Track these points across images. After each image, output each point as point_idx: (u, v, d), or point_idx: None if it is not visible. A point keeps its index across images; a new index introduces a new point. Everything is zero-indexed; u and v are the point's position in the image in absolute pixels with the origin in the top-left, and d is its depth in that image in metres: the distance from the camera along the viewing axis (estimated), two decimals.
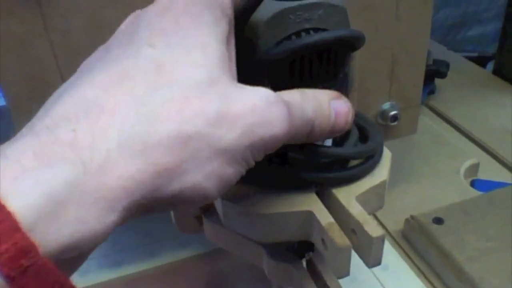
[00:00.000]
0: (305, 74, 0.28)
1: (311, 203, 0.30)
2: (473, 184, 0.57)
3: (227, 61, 0.23)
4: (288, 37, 0.27)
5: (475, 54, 1.08)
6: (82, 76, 0.22)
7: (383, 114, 0.46)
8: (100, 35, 0.33)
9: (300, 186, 0.30)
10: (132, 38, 0.23)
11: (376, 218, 0.51)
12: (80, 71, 0.23)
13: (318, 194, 0.31)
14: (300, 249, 0.36)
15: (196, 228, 0.40)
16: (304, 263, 0.38)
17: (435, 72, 0.69)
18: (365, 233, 0.27)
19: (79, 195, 0.18)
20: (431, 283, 0.45)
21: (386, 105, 0.46)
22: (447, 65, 0.71)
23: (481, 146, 0.63)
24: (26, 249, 0.16)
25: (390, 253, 0.48)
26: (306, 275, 0.35)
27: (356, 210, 0.29)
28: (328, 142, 0.31)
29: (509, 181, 0.56)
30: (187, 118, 0.20)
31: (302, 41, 0.26)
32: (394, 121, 0.46)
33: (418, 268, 0.46)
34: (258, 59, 0.27)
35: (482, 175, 0.59)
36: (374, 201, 0.32)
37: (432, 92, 0.74)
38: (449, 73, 0.72)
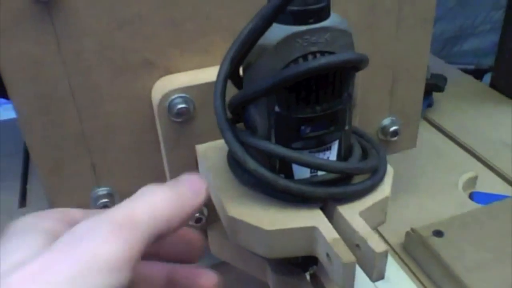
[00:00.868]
0: (311, 95, 0.29)
1: (316, 219, 0.31)
2: (471, 196, 0.58)
3: None
4: (296, 60, 0.28)
5: (472, 67, 1.09)
6: None
7: (384, 129, 0.47)
8: (111, 56, 0.34)
9: (305, 201, 0.31)
10: None
11: (376, 230, 0.52)
12: None
13: (322, 209, 0.32)
14: (304, 263, 0.37)
15: None
16: (308, 277, 0.39)
17: (433, 86, 0.70)
18: (369, 248, 0.28)
19: None
20: None
21: (386, 121, 0.47)
22: (445, 79, 0.72)
23: (479, 159, 0.64)
24: None
25: (391, 265, 0.48)
26: None
27: (360, 225, 0.30)
28: (333, 157, 0.32)
29: (507, 194, 0.57)
30: None
31: (309, 65, 0.27)
32: (395, 136, 0.47)
33: (419, 280, 0.47)
34: (266, 82, 0.28)
35: (481, 188, 0.60)
36: (377, 216, 0.33)
37: (430, 105, 0.75)
38: (446, 86, 0.73)
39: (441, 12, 1.20)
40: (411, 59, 0.45)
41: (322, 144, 0.31)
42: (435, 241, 0.47)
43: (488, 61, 1.12)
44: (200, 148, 0.37)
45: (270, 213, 0.31)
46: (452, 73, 0.82)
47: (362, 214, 0.31)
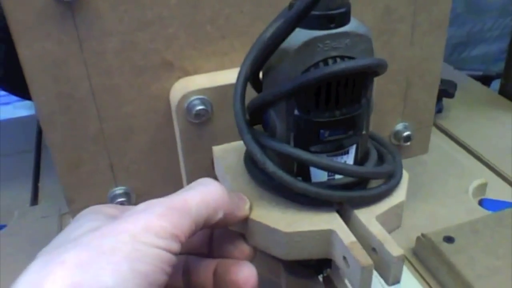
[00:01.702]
0: (330, 99, 0.29)
1: (333, 222, 0.31)
2: (481, 203, 0.58)
3: None
4: (316, 64, 0.28)
5: (480, 73, 1.09)
6: None
7: (397, 134, 0.47)
8: (132, 56, 0.35)
9: (322, 204, 0.32)
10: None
11: None
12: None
13: (338, 212, 0.32)
14: (319, 266, 0.37)
15: None
16: (321, 279, 0.39)
17: (443, 92, 0.70)
18: (386, 252, 0.28)
19: None
20: None
21: (399, 126, 0.47)
22: (454, 86, 0.72)
23: (488, 166, 0.64)
24: None
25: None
26: None
27: (376, 229, 0.30)
28: (350, 161, 0.32)
29: None
30: None
31: (329, 69, 0.28)
32: (407, 141, 0.47)
33: (429, 286, 0.47)
34: (286, 85, 0.29)
35: (490, 195, 0.60)
36: (393, 221, 0.33)
37: (439, 111, 0.75)
38: (455, 92, 0.73)
39: (449, 18, 1.20)
40: (425, 65, 0.45)
41: (340, 148, 0.31)
42: (446, 247, 0.47)
43: (496, 68, 1.12)
44: (217, 149, 0.37)
45: (288, 215, 0.31)
46: (461, 79, 0.83)
47: (378, 218, 0.31)
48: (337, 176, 0.32)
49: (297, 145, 0.31)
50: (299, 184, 0.30)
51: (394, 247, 0.28)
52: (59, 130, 0.35)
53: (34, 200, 0.60)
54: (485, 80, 1.03)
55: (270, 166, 0.30)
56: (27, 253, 0.34)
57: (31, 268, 0.23)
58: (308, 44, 0.28)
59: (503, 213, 0.52)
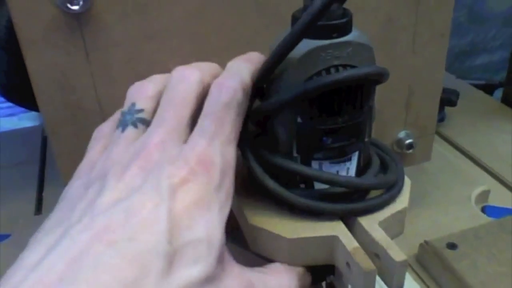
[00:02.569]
0: (333, 107, 0.30)
1: (336, 228, 0.31)
2: (484, 210, 0.59)
3: (225, 249, 0.27)
4: (319, 73, 0.29)
5: (482, 82, 1.10)
6: None
7: (399, 142, 0.48)
8: (137, 68, 0.35)
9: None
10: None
11: None
12: None
13: (341, 219, 0.32)
14: (322, 272, 0.38)
15: None
16: (324, 286, 0.39)
17: (445, 100, 0.71)
18: (389, 257, 0.29)
19: None
20: None
21: (402, 134, 0.48)
22: (457, 94, 0.73)
23: (491, 174, 0.65)
24: None
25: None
26: None
27: (379, 235, 0.30)
28: (352, 172, 0.33)
29: None
30: None
31: (332, 77, 0.28)
32: (410, 149, 0.48)
33: None
34: (289, 93, 0.29)
35: (493, 202, 0.60)
36: (395, 227, 0.33)
37: (442, 119, 0.75)
38: (458, 101, 0.74)
39: (451, 27, 1.21)
40: (427, 73, 0.45)
41: (343, 155, 0.32)
42: (449, 254, 0.47)
43: (499, 77, 1.13)
44: None
45: (291, 221, 0.32)
46: (463, 88, 0.83)
47: (381, 224, 0.31)
48: None
49: (300, 152, 0.31)
50: (301, 200, 0.31)
51: (397, 253, 0.29)
52: (66, 140, 0.36)
53: (38, 210, 0.60)
54: (488, 89, 1.04)
55: (271, 184, 0.31)
56: None
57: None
58: (311, 53, 0.29)
59: (506, 219, 0.52)
